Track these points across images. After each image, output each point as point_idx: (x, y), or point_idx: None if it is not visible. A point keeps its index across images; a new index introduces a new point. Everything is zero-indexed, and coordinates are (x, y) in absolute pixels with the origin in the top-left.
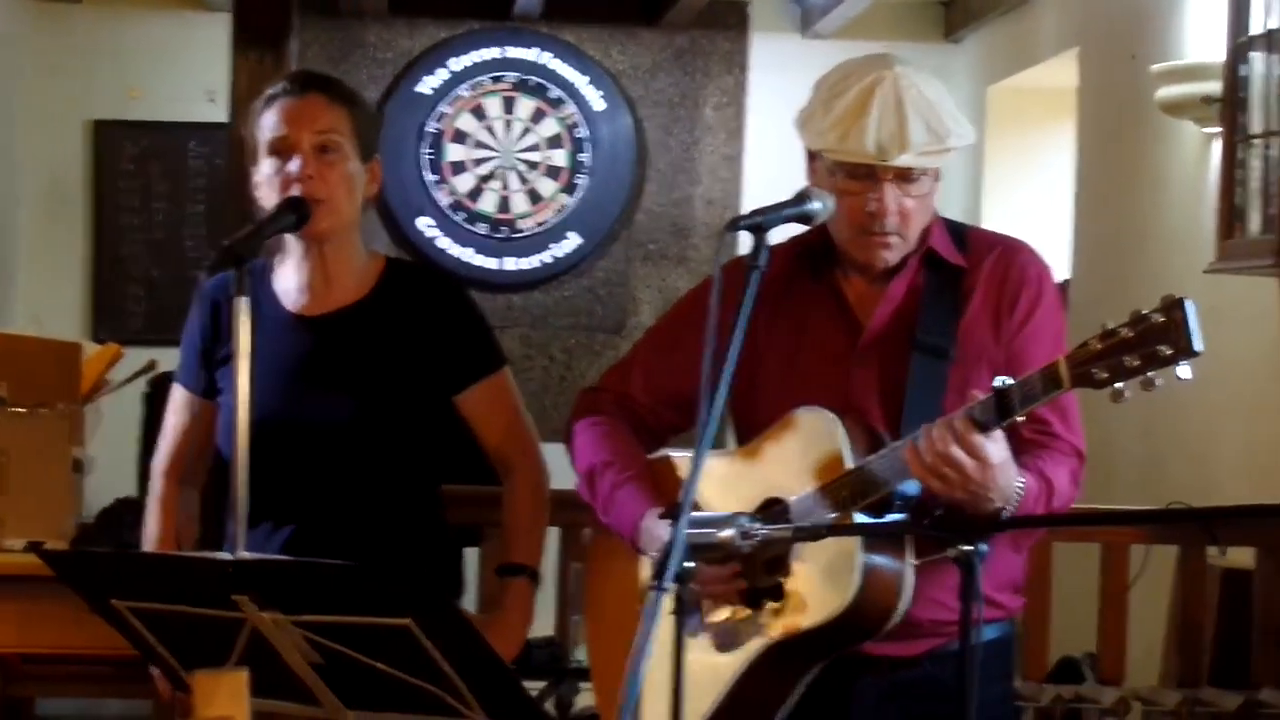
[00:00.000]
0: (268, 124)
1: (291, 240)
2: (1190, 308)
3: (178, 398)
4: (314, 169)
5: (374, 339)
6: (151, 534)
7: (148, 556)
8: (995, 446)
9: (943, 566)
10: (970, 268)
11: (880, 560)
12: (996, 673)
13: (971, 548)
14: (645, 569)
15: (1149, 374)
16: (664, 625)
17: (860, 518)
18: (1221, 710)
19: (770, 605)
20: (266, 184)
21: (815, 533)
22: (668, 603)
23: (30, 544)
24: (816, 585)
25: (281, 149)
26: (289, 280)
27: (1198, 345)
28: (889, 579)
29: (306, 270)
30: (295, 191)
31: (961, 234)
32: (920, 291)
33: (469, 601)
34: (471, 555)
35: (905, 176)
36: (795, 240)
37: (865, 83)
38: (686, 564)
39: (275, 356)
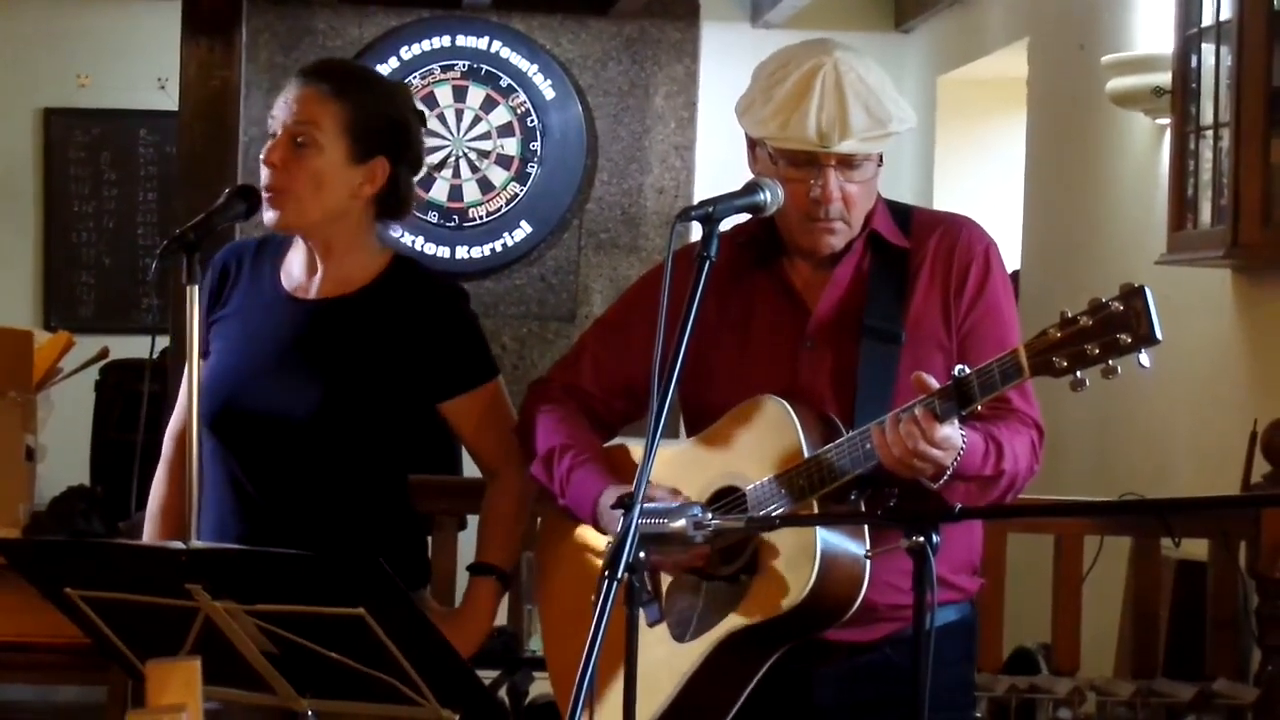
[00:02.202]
0: (275, 104)
1: None
2: (1150, 296)
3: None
4: (278, 157)
5: (358, 333)
6: (156, 499)
7: (101, 545)
8: (954, 429)
9: (899, 551)
10: (914, 248)
11: (839, 550)
12: (955, 656)
13: (924, 538)
14: (596, 553)
15: (1109, 362)
16: (619, 615)
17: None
18: (1176, 701)
19: (730, 594)
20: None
21: (768, 523)
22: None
23: None
24: (775, 576)
25: (271, 131)
26: (294, 260)
27: (1159, 333)
28: (848, 569)
29: (303, 255)
30: (263, 173)
31: (904, 215)
32: (866, 275)
33: (460, 592)
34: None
35: (848, 162)
36: (737, 229)
37: (805, 69)
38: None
39: (260, 333)
